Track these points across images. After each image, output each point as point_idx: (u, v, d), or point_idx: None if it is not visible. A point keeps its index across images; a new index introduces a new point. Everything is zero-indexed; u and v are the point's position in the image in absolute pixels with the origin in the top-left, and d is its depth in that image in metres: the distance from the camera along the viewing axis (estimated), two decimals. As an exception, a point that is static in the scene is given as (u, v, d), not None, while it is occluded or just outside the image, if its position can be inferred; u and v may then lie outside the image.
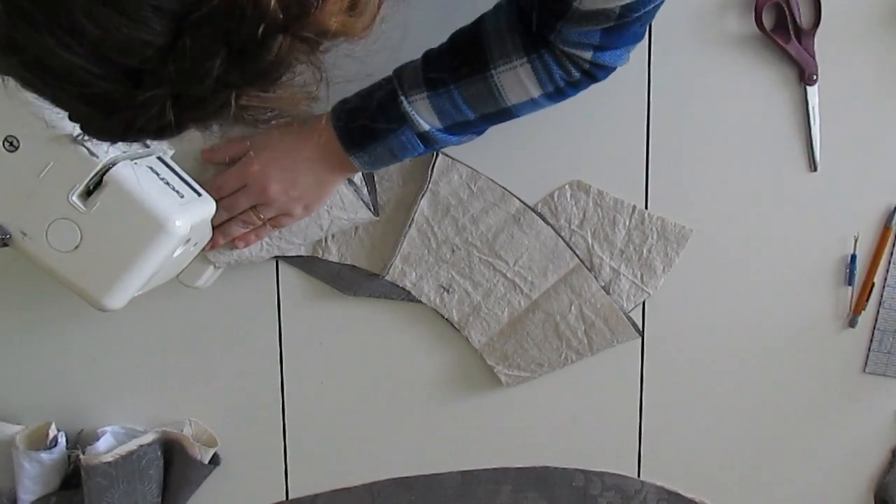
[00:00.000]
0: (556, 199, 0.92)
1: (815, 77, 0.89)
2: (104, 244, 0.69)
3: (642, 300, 0.94)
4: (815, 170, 0.91)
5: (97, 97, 0.44)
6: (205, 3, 0.41)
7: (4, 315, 0.96)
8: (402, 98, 0.76)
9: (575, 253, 0.93)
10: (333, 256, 0.93)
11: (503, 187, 0.91)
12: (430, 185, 0.91)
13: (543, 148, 0.91)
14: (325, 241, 0.92)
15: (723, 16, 0.88)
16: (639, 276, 0.93)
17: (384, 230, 0.93)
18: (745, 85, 0.90)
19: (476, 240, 0.93)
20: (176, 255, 0.73)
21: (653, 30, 0.89)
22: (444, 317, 0.95)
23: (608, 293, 0.93)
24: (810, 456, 0.98)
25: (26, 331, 0.96)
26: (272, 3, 0.42)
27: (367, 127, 0.78)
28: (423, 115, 0.76)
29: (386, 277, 0.93)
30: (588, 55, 0.74)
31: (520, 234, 0.92)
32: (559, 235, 0.93)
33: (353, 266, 0.94)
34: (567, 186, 0.92)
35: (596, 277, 0.93)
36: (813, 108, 0.89)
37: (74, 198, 0.68)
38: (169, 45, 0.42)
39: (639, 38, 0.75)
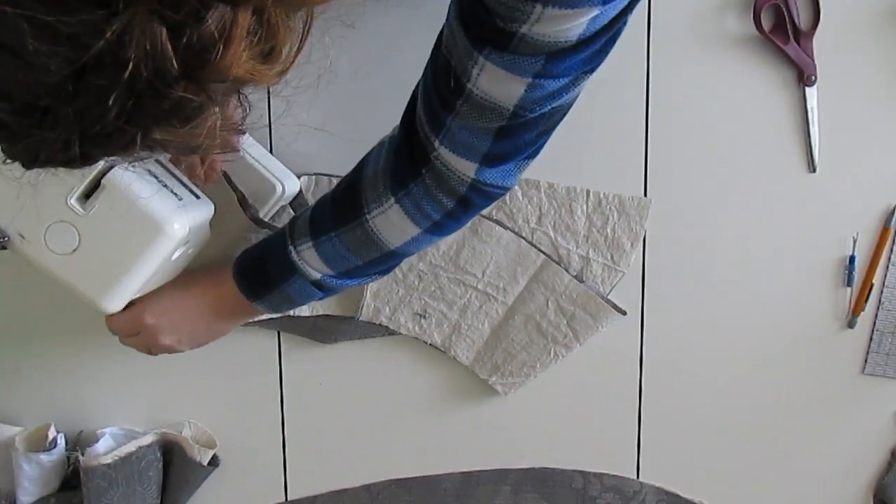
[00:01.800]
0: (509, 202, 0.92)
1: (813, 78, 0.89)
2: (102, 247, 0.69)
3: (618, 280, 0.94)
4: (815, 171, 0.91)
5: (6, 126, 0.43)
6: (95, 55, 0.40)
7: (4, 316, 0.96)
8: (291, 248, 0.76)
9: (540, 250, 0.93)
10: (305, 311, 0.94)
11: None
12: None
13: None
14: None
15: (721, 17, 0.88)
16: (609, 258, 0.93)
17: None
18: (743, 86, 0.90)
19: (440, 261, 0.93)
20: (174, 257, 0.73)
21: (651, 31, 0.89)
22: (427, 343, 0.95)
23: (582, 281, 0.93)
24: (810, 456, 0.98)
25: (26, 332, 0.96)
26: (167, 56, 0.41)
27: (263, 277, 0.78)
28: (311, 263, 0.75)
29: (361, 319, 0.94)
30: (472, 169, 0.67)
31: (481, 245, 0.92)
32: (520, 237, 0.92)
33: (327, 315, 0.94)
34: (516, 187, 0.91)
35: (566, 269, 0.93)
36: (811, 108, 0.89)
37: (73, 201, 0.68)
38: (65, 87, 0.41)
39: (533, 150, 0.68)
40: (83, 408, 0.97)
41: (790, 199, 0.92)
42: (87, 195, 0.68)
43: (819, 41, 0.88)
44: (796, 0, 0.88)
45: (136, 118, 0.43)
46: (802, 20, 0.88)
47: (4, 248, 0.69)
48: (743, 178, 0.92)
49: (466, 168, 0.67)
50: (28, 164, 0.47)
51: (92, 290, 0.71)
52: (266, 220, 0.87)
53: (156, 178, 0.72)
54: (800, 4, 0.88)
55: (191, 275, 0.84)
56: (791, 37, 0.88)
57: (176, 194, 0.73)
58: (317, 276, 0.76)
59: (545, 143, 0.68)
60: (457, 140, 0.65)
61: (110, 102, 0.42)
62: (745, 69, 0.89)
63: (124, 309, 0.78)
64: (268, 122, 0.93)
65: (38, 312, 0.95)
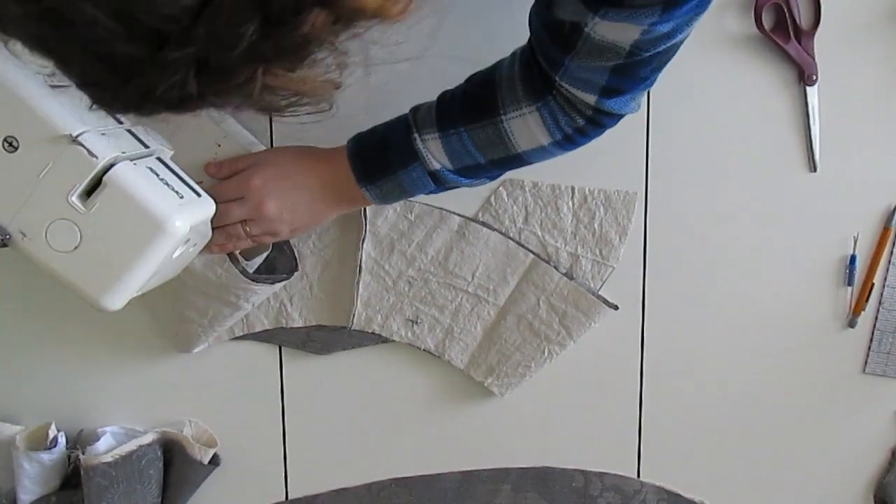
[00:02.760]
0: (494, 204, 0.92)
1: (814, 77, 0.89)
2: (103, 244, 0.69)
3: (608, 275, 0.94)
4: (815, 170, 0.91)
5: (116, 59, 0.40)
6: None
7: (4, 315, 0.96)
8: (416, 135, 0.76)
9: (528, 249, 0.93)
10: (297, 322, 0.94)
11: (438, 207, 0.91)
12: (367, 227, 0.91)
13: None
14: (286, 308, 0.94)
15: (722, 16, 0.88)
16: (598, 253, 0.93)
17: (338, 283, 0.93)
18: (744, 85, 0.90)
19: (429, 266, 0.93)
20: (175, 255, 0.73)
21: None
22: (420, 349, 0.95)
23: (572, 278, 0.93)
24: (810, 456, 0.98)
25: (26, 331, 0.96)
26: None
27: (381, 161, 0.78)
28: (434, 154, 0.77)
29: (353, 328, 0.94)
30: (592, 99, 0.72)
31: (469, 247, 0.92)
32: (507, 237, 0.92)
33: (319, 326, 0.94)
34: (501, 187, 0.91)
35: (556, 267, 0.93)
36: (812, 108, 0.89)
37: (74, 198, 0.68)
38: (201, 4, 0.39)
39: (648, 83, 0.73)
40: (84, 406, 0.97)
41: (791, 198, 0.92)
42: (89, 193, 0.68)
43: (820, 41, 0.88)
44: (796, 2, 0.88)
45: (263, 49, 0.41)
46: (803, 19, 0.88)
47: (6, 245, 0.69)
48: (744, 177, 0.92)
49: (587, 98, 0.72)
50: (136, 106, 0.44)
51: (93, 288, 0.70)
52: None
53: (157, 175, 0.72)
54: (801, 4, 0.88)
55: (307, 149, 0.83)
56: (792, 36, 0.88)
57: (177, 192, 0.73)
58: (437, 167, 0.77)
59: (658, 76, 0.72)
60: (575, 76, 0.70)
61: (246, 26, 0.40)
62: (745, 68, 0.89)
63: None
64: (269, 121, 0.93)
65: (39, 310, 0.95)
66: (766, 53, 0.89)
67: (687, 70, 0.89)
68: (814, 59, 0.88)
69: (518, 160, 0.78)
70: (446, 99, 0.78)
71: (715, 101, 0.90)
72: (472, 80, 0.78)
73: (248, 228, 0.82)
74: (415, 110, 0.79)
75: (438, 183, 0.79)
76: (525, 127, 0.75)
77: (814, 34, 0.88)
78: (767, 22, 0.88)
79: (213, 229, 0.81)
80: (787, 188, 0.92)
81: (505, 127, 0.75)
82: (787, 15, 0.87)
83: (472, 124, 0.75)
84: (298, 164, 0.82)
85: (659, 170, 0.92)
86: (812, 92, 0.89)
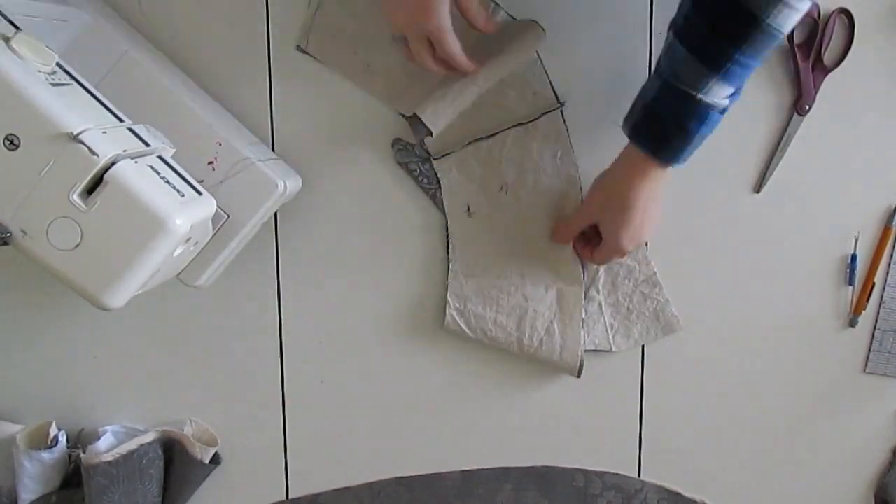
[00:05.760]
0: None
1: (807, 108, 0.90)
2: (105, 243, 0.69)
3: (600, 349, 0.95)
4: (759, 191, 0.93)
5: None
6: None
7: (4, 315, 0.96)
8: (695, 93, 0.76)
9: (583, 272, 0.93)
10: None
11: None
12: None
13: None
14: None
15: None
16: (612, 329, 0.95)
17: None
18: (747, 84, 0.90)
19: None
20: (176, 254, 0.73)
21: (653, 30, 0.89)
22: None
23: (581, 326, 0.94)
24: (810, 456, 0.98)
25: (26, 330, 0.96)
26: None
27: (677, 134, 0.79)
28: (719, 95, 0.77)
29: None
30: None
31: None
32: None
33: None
34: None
35: (584, 306, 0.94)
36: (788, 136, 0.91)
37: (75, 196, 0.68)
38: None
39: None
40: (84, 405, 0.97)
41: (791, 197, 0.92)
42: (90, 191, 0.68)
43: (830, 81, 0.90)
44: (832, 30, 0.88)
45: None
46: (829, 53, 0.89)
47: (6, 244, 0.69)
48: (744, 176, 0.92)
49: None
50: None
51: (94, 286, 0.70)
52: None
53: (158, 174, 0.72)
54: (834, 37, 0.89)
55: (604, 179, 0.86)
56: (811, 60, 0.89)
57: (178, 190, 0.73)
58: (725, 103, 0.78)
59: None
60: None
61: None
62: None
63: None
64: (269, 121, 0.93)
65: (40, 309, 0.95)
66: (776, 71, 0.90)
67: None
68: (816, 93, 0.89)
69: (777, 41, 0.75)
70: (696, 43, 0.76)
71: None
72: (704, 9, 0.75)
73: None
74: (672, 74, 0.77)
75: (725, 111, 0.79)
76: (788, 16, 0.72)
77: (829, 71, 0.89)
78: (798, 36, 0.88)
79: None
80: (788, 187, 0.92)
81: (769, 23, 0.72)
82: (817, 38, 0.88)
83: (743, 42, 0.73)
84: (623, 195, 0.84)
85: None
86: (796, 121, 0.90)
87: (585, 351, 0.94)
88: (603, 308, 0.95)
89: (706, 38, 0.75)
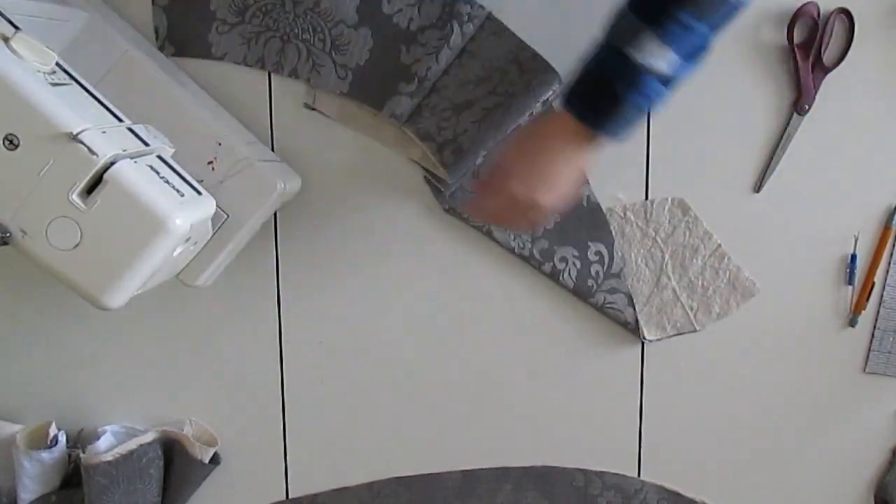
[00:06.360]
0: (652, 207, 0.93)
1: (806, 108, 0.90)
2: (104, 242, 0.69)
3: (685, 332, 0.95)
4: (759, 191, 0.92)
5: None
6: None
7: (4, 315, 0.96)
8: (630, 50, 0.70)
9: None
10: None
11: None
12: None
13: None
14: None
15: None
16: (692, 310, 0.94)
17: None
18: (746, 84, 0.90)
19: None
20: (176, 253, 0.73)
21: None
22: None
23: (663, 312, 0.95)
24: (810, 456, 0.98)
25: (26, 331, 0.96)
26: None
27: (605, 97, 0.72)
28: (656, 57, 0.70)
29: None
30: None
31: None
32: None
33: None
34: (669, 199, 0.92)
35: (658, 295, 0.94)
36: (788, 136, 0.91)
37: (74, 196, 0.68)
38: None
39: None
40: (84, 405, 0.97)
41: (791, 197, 0.92)
42: (90, 191, 0.68)
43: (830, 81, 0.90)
44: (832, 30, 0.88)
45: None
46: (828, 53, 0.89)
47: (6, 243, 0.69)
48: (744, 176, 0.92)
49: None
50: None
51: (93, 285, 0.70)
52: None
53: (158, 173, 0.72)
54: (833, 36, 0.88)
55: (523, 134, 0.82)
56: (811, 59, 0.89)
57: (178, 190, 0.73)
58: (665, 68, 0.70)
59: None
60: None
61: None
62: (749, 66, 0.90)
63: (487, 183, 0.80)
64: (269, 121, 0.93)
65: (40, 309, 0.95)
66: (776, 70, 0.90)
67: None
68: (816, 93, 0.89)
69: (739, 6, 0.71)
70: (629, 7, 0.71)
71: (716, 97, 0.90)
72: None
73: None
74: (611, 33, 0.72)
75: (669, 85, 0.72)
76: None
77: (829, 70, 0.89)
78: (798, 35, 0.88)
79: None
80: (789, 186, 0.92)
81: None
82: (817, 37, 0.88)
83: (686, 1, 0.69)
84: (531, 148, 0.78)
85: (659, 166, 0.92)
86: (796, 121, 0.90)
87: (668, 336, 0.95)
88: (678, 292, 0.94)
89: None
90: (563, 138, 0.76)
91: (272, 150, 0.93)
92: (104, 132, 0.70)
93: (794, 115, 0.90)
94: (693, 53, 0.71)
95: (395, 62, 0.89)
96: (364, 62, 0.89)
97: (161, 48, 0.90)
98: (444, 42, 0.87)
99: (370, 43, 0.89)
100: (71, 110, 0.68)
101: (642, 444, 0.98)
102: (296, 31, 0.89)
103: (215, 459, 0.97)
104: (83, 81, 0.76)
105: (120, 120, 0.75)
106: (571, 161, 0.77)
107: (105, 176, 0.68)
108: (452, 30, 0.87)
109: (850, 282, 0.94)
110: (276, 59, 0.90)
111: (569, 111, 0.75)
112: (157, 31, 0.90)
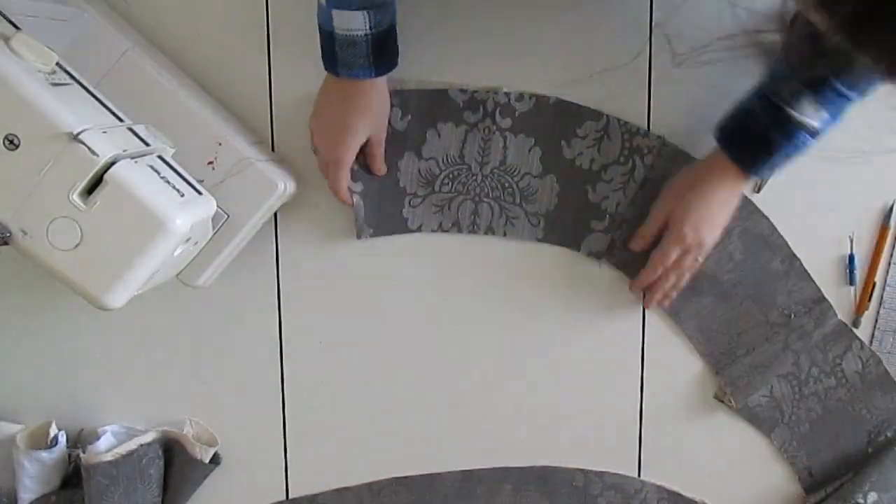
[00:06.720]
0: None
1: None
2: (105, 242, 0.69)
3: None
4: (758, 191, 0.93)
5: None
6: None
7: (4, 315, 0.96)
8: (788, 108, 0.79)
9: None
10: None
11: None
12: None
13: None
14: None
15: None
16: None
17: None
18: (746, 84, 0.90)
19: None
20: (176, 253, 0.73)
21: (652, 30, 0.89)
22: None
23: None
24: (811, 456, 0.98)
25: (26, 331, 0.96)
26: None
27: (761, 144, 0.82)
28: (811, 115, 0.79)
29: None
30: None
31: None
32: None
33: None
34: None
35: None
36: None
37: (75, 196, 0.68)
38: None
39: None
40: (84, 405, 0.97)
41: (791, 197, 0.92)
42: (90, 191, 0.68)
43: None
44: None
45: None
46: None
47: (6, 243, 0.69)
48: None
49: None
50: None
51: (94, 285, 0.70)
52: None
53: (158, 174, 0.72)
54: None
55: (686, 172, 0.88)
56: None
57: (178, 190, 0.73)
58: (816, 125, 0.80)
59: None
60: None
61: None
62: (748, 66, 0.90)
63: None
64: (269, 121, 0.93)
65: (40, 309, 0.95)
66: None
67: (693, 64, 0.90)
68: None
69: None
70: (795, 61, 0.79)
71: (715, 95, 0.90)
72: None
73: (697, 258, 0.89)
74: (771, 86, 0.81)
75: (815, 136, 0.81)
76: None
77: None
78: None
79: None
80: (789, 186, 0.92)
81: None
82: None
83: (841, 73, 0.77)
84: (698, 189, 0.86)
85: (659, 169, 0.92)
86: None
87: None
88: None
89: (807, 61, 0.77)
90: (720, 180, 0.85)
91: (272, 150, 0.93)
92: (104, 132, 0.70)
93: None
94: (841, 114, 0.80)
95: (584, 202, 0.92)
96: (554, 207, 0.92)
97: (359, 234, 0.93)
98: (629, 177, 0.91)
99: (557, 188, 0.92)
100: (71, 110, 0.68)
101: (642, 445, 0.98)
102: (486, 190, 0.92)
103: (215, 459, 0.97)
104: (83, 81, 0.76)
105: (120, 120, 0.75)
106: (728, 200, 0.87)
107: (105, 176, 0.68)
108: (635, 165, 0.90)
109: (852, 282, 0.94)
110: (471, 220, 0.93)
111: (728, 155, 0.84)
112: (356, 217, 0.92)
